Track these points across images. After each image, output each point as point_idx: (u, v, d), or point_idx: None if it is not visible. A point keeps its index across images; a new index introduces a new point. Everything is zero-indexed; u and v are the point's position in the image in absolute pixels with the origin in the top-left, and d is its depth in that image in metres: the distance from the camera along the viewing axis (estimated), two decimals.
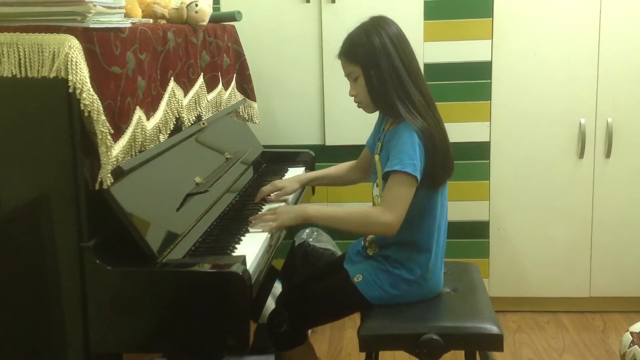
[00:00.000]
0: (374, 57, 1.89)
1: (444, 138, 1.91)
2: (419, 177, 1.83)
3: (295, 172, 2.61)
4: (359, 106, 2.00)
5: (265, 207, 2.09)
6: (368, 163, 2.18)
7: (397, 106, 1.88)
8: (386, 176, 1.86)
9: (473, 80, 2.92)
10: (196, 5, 2.11)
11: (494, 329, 1.85)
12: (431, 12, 2.87)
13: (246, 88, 2.76)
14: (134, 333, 1.58)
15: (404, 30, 1.96)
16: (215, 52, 2.37)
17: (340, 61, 1.98)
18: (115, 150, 1.53)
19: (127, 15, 1.68)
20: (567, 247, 3.02)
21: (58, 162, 1.50)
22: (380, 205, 1.87)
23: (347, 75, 1.97)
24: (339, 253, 2.73)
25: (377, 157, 2.00)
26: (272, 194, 2.22)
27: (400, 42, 1.91)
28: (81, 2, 1.45)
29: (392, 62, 1.88)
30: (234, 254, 1.76)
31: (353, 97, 1.98)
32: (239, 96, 2.72)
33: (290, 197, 2.28)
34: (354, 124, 2.92)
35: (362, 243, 2.09)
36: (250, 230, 1.94)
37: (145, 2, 1.99)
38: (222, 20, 2.59)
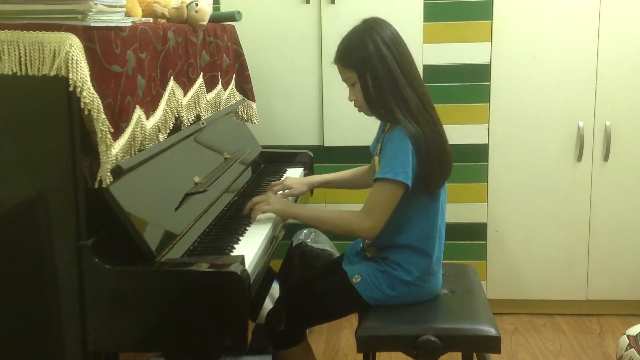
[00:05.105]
0: (369, 62, 1.88)
1: (440, 141, 1.91)
2: (409, 183, 1.84)
3: (293, 173, 2.61)
4: (359, 110, 2.00)
5: None
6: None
7: (393, 111, 1.88)
8: (375, 181, 1.88)
9: (472, 83, 2.92)
10: (196, 4, 2.11)
11: (491, 330, 1.86)
12: (431, 14, 2.87)
13: (245, 88, 2.76)
14: (131, 332, 1.58)
15: (403, 33, 1.96)
16: (215, 52, 2.38)
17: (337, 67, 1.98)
18: (114, 149, 1.52)
19: (127, 14, 1.68)
20: (565, 249, 3.02)
21: (57, 160, 1.49)
22: (361, 210, 1.90)
23: (344, 80, 1.97)
24: (337, 254, 2.73)
25: (376, 159, 2.00)
26: (278, 192, 2.23)
27: (395, 44, 1.90)
28: (82, 0, 1.44)
29: (387, 67, 1.87)
30: (232, 254, 1.77)
31: (352, 102, 1.99)
32: (238, 96, 2.72)
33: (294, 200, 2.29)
34: (353, 125, 2.92)
35: (361, 244, 2.09)
36: (244, 213, 2.02)
37: (145, 1, 1.99)
38: (222, 20, 2.59)
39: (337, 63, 1.97)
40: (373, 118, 2.06)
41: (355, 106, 1.99)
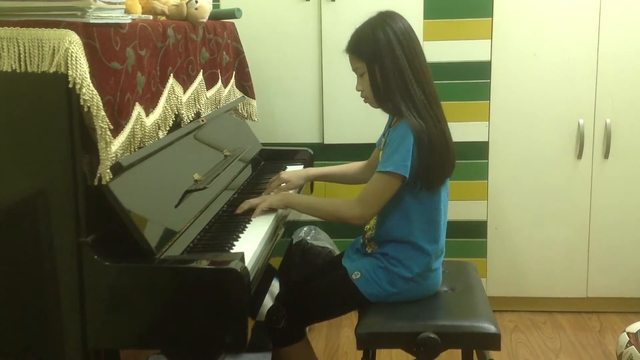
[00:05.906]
0: (379, 54, 1.89)
1: (443, 138, 1.91)
2: (407, 176, 1.85)
3: (293, 170, 2.60)
4: (365, 101, 2.00)
5: None
6: (378, 163, 2.18)
7: (399, 104, 1.89)
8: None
9: (472, 80, 2.92)
10: (196, 2, 2.11)
11: (491, 328, 1.86)
12: (431, 12, 2.87)
13: (245, 85, 2.76)
14: (131, 329, 1.58)
15: None
16: (215, 49, 2.37)
17: (347, 56, 1.98)
18: (114, 146, 1.52)
19: (127, 12, 1.69)
20: (565, 247, 3.02)
21: (57, 157, 1.49)
22: (355, 198, 1.92)
23: (354, 70, 1.98)
24: (337, 252, 2.73)
25: (380, 153, 2.01)
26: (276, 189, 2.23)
27: (405, 39, 1.91)
28: None
29: (395, 60, 1.88)
30: (232, 251, 1.77)
31: (360, 92, 1.99)
32: (238, 93, 2.72)
33: (292, 192, 2.28)
34: (353, 122, 2.92)
35: (361, 240, 2.09)
36: (237, 212, 2.02)
37: None
38: (222, 18, 2.59)
39: (348, 52, 1.97)
40: (373, 115, 2.06)
41: (362, 97, 1.99)
